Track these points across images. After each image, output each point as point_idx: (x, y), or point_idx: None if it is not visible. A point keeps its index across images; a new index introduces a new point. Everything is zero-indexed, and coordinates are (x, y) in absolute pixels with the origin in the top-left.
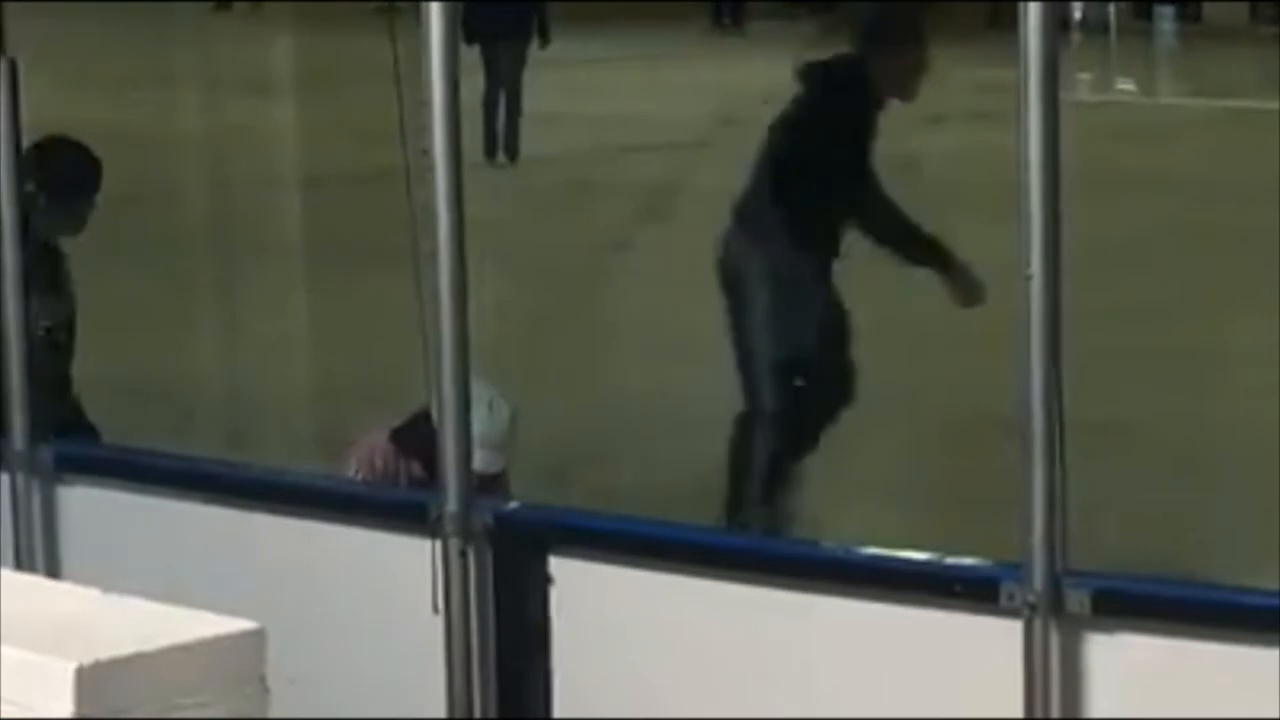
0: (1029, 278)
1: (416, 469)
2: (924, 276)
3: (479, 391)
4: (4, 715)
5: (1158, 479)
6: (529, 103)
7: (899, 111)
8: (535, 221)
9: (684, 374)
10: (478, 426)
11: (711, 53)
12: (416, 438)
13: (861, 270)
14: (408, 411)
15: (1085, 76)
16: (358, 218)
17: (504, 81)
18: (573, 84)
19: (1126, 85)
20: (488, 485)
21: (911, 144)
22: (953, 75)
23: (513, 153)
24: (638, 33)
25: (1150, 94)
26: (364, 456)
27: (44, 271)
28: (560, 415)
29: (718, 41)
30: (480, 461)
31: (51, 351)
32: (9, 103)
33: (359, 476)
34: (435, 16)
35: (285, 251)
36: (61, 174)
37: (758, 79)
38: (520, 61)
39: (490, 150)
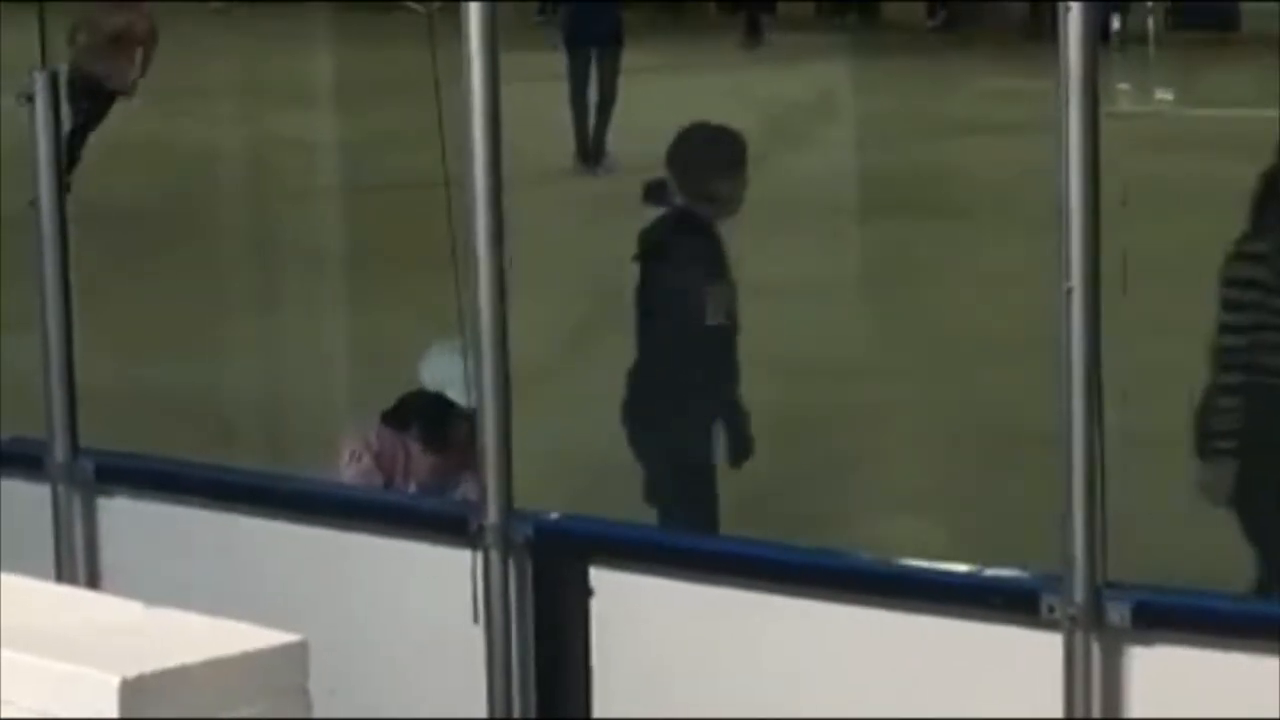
0: (1069, 290)
1: (412, 440)
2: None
3: (456, 344)
4: None
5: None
6: (566, 113)
7: (932, 121)
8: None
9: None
10: (455, 370)
11: (743, 63)
12: (408, 412)
13: (904, 287)
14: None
15: (1124, 87)
16: (401, 225)
17: (600, 88)
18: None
19: (1165, 95)
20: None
21: (946, 154)
22: (987, 84)
23: (598, 158)
24: (671, 45)
25: (1190, 104)
26: (358, 445)
27: (710, 257)
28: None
29: (748, 53)
30: (463, 398)
31: (721, 341)
32: (51, 113)
33: (355, 467)
34: (474, 17)
35: (329, 260)
36: (697, 157)
37: (790, 89)
38: (614, 70)
39: (585, 155)
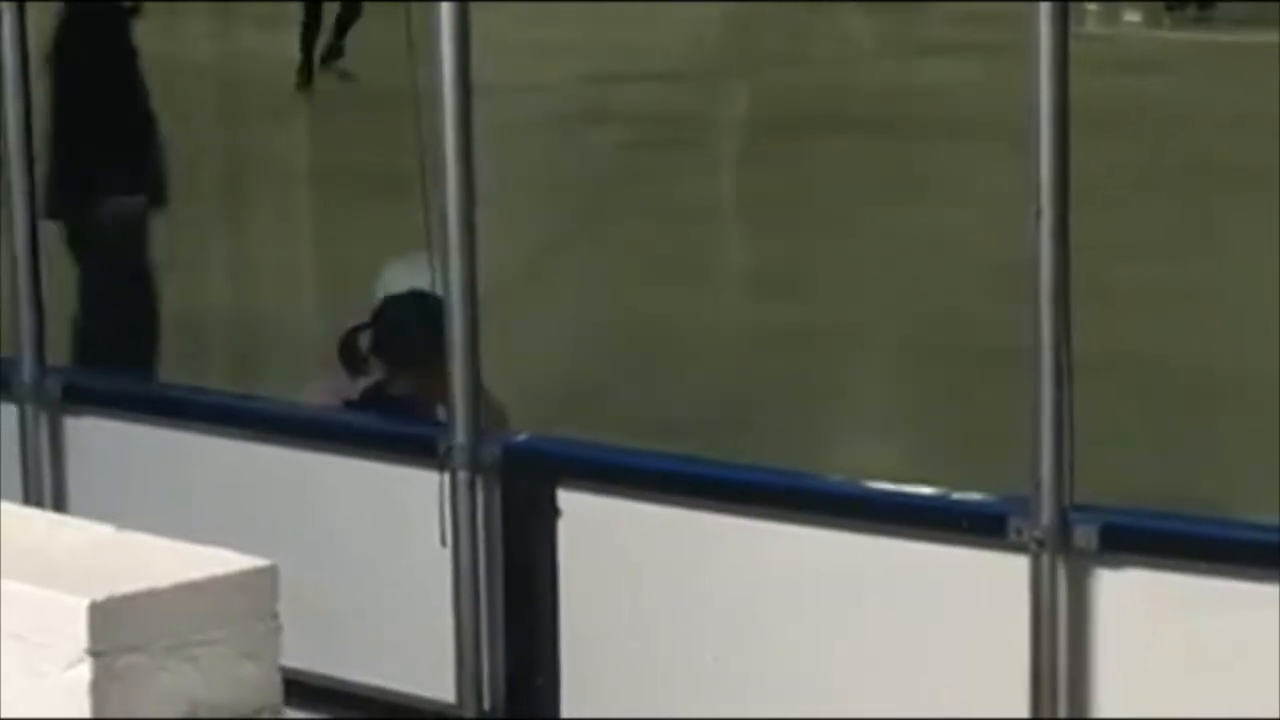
0: (1038, 213)
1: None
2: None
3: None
4: (17, 651)
5: (1168, 413)
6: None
7: (896, 41)
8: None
9: (687, 302)
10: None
11: None
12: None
13: (865, 209)
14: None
15: (1093, 7)
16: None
17: None
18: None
19: (1133, 17)
20: None
21: (912, 76)
22: (957, 6)
23: None
24: None
25: (1158, 26)
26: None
27: None
28: (568, 344)
29: None
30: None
31: None
32: (17, 36)
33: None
34: None
35: (297, 177)
36: None
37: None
38: None
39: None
